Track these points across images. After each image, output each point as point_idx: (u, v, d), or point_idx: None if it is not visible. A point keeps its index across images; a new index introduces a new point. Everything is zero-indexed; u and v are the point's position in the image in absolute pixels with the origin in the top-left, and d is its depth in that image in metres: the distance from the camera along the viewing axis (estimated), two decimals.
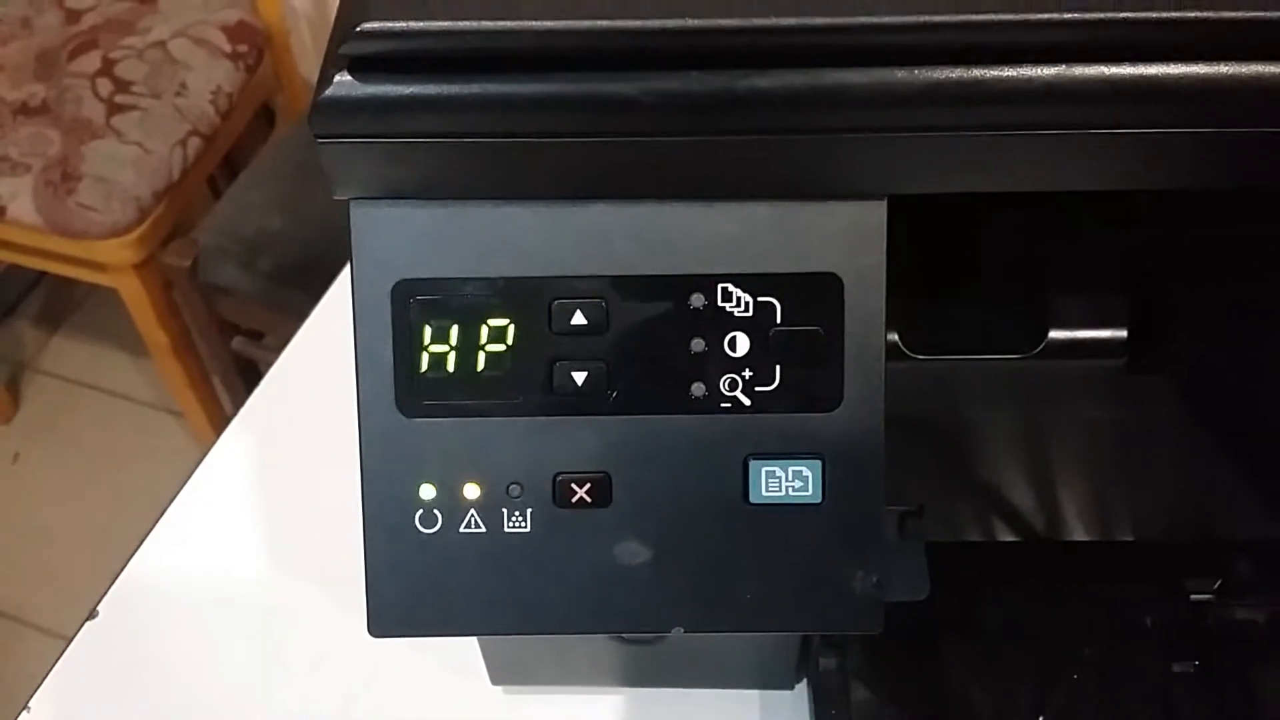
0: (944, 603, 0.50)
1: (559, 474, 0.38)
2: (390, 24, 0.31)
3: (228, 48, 1.38)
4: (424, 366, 0.37)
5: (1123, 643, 0.53)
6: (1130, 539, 0.49)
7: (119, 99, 1.31)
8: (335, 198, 0.36)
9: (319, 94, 0.33)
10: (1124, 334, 0.46)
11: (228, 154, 1.42)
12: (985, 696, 0.52)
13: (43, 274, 1.67)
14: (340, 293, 0.74)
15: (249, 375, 1.30)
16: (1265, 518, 0.48)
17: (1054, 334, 0.46)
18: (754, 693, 0.56)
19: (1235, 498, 0.48)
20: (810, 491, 0.38)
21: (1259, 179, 0.36)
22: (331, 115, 0.33)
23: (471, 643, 0.52)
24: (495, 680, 0.55)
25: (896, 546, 0.49)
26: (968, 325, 0.47)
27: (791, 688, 0.55)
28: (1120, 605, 0.54)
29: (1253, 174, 0.36)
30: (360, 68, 0.33)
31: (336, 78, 0.33)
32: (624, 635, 0.49)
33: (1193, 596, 0.53)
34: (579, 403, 0.37)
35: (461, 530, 0.38)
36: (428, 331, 0.37)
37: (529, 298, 0.37)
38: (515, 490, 0.38)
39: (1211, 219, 0.45)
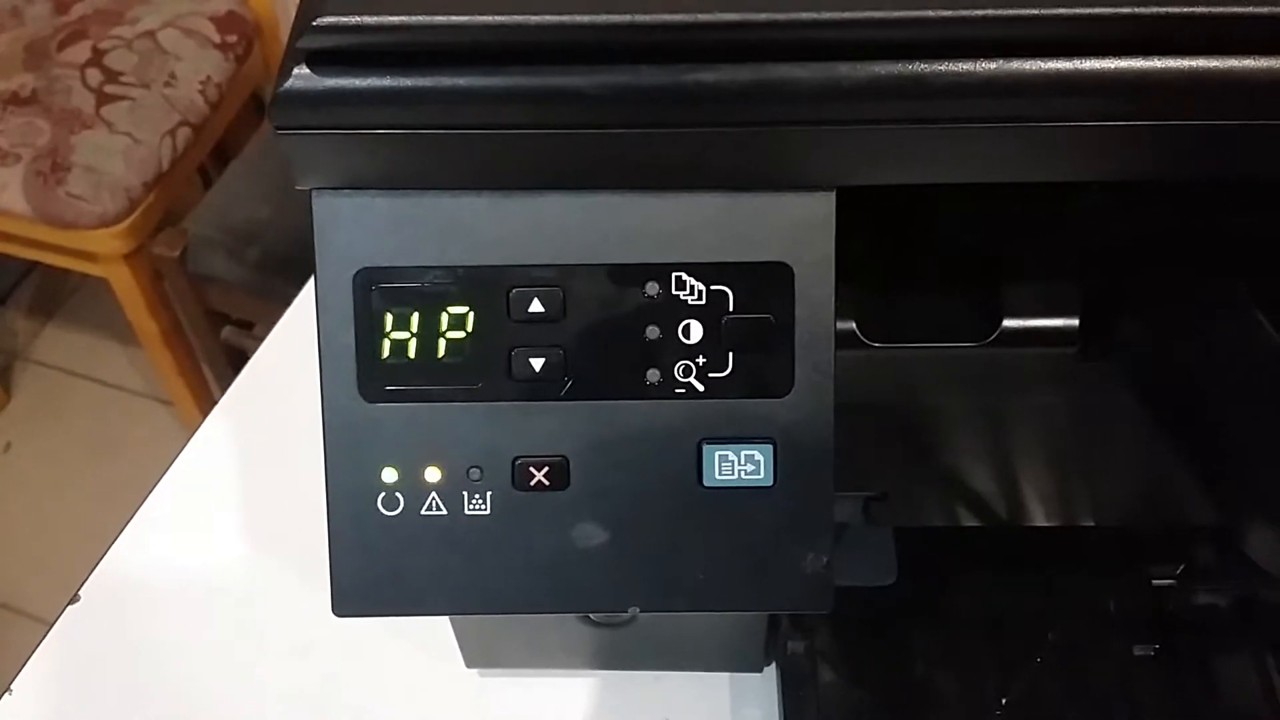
0: (910, 587, 0.51)
1: (518, 458, 0.39)
2: (346, 19, 0.32)
3: (217, 38, 1.38)
4: (385, 353, 0.38)
5: (1085, 627, 0.54)
6: (1092, 524, 0.50)
7: (108, 89, 1.32)
8: (297, 188, 0.37)
9: (278, 87, 0.34)
10: (1075, 322, 0.46)
11: (217, 144, 1.42)
12: (950, 679, 0.53)
13: (34, 264, 1.68)
14: None
15: (238, 364, 1.31)
16: (1225, 503, 0.48)
17: (1008, 322, 0.47)
18: (724, 675, 0.57)
19: (1193, 484, 0.48)
20: (762, 475, 0.38)
21: (1201, 171, 0.37)
22: (290, 108, 0.34)
23: (447, 627, 0.53)
24: (470, 663, 0.56)
25: (863, 532, 0.50)
26: (924, 314, 0.48)
27: (760, 670, 0.55)
28: (1083, 590, 0.55)
29: (1194, 166, 0.37)
30: (318, 61, 0.33)
31: (295, 71, 0.34)
32: (591, 618, 0.50)
33: (1155, 581, 0.54)
34: (537, 388, 0.38)
35: (423, 513, 0.39)
36: (389, 319, 0.38)
37: (487, 286, 0.38)
38: (475, 474, 0.39)
39: (1161, 209, 0.45)
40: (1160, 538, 0.54)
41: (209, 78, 1.36)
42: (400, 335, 0.38)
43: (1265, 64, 0.33)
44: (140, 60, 1.35)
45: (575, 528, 0.39)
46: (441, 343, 0.38)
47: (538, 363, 0.38)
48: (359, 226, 0.38)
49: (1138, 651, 0.53)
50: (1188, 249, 0.46)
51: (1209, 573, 0.54)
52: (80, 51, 1.35)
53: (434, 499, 0.39)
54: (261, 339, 0.73)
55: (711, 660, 0.56)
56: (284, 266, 1.23)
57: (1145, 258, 0.47)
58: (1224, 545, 0.53)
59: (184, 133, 1.32)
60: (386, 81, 0.34)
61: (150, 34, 1.37)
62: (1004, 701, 0.52)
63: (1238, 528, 0.47)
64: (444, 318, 0.38)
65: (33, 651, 0.59)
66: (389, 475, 0.39)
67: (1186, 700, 0.52)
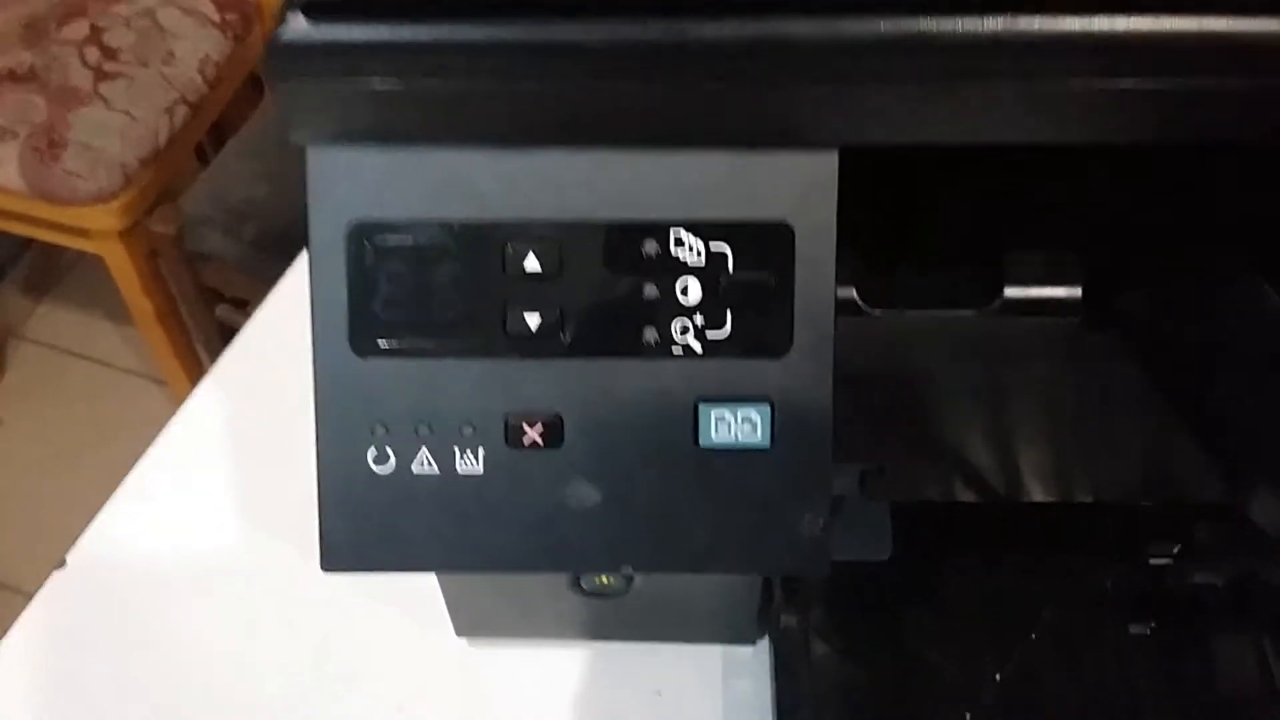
0: (905, 562, 0.51)
1: (511, 415, 0.38)
2: None
3: (216, 17, 1.38)
4: (378, 307, 0.38)
5: (1082, 605, 0.53)
6: (1090, 500, 0.50)
7: (106, 67, 1.31)
8: (291, 141, 0.37)
9: (274, 37, 0.33)
10: (1079, 292, 0.46)
11: (215, 123, 1.42)
12: (944, 654, 0.53)
13: (29, 241, 1.67)
14: None
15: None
16: (1224, 481, 0.48)
17: (1009, 291, 0.46)
18: (716, 647, 0.56)
19: (1195, 459, 0.48)
20: (759, 436, 0.38)
21: (1210, 134, 0.36)
22: (285, 58, 0.34)
23: (437, 595, 0.53)
24: (460, 632, 0.56)
25: (859, 506, 0.50)
26: (925, 280, 0.47)
27: (754, 642, 0.55)
28: (1080, 568, 0.54)
29: (1203, 129, 0.36)
30: (313, 12, 0.33)
31: (290, 21, 0.33)
32: (583, 587, 0.50)
33: (1152, 560, 0.54)
34: (531, 345, 0.38)
35: (414, 470, 0.38)
36: (382, 272, 0.37)
37: (483, 241, 0.37)
38: (467, 431, 0.38)
39: (1167, 178, 0.45)
40: (1159, 516, 0.54)
41: (207, 56, 1.35)
42: (394, 290, 0.38)
43: (1275, 25, 0.32)
44: (139, 38, 1.34)
45: (569, 487, 0.39)
46: (435, 297, 0.38)
47: (533, 319, 0.38)
48: (353, 180, 0.37)
49: (1134, 630, 0.53)
50: (1193, 219, 0.46)
51: (1207, 552, 0.53)
52: (79, 29, 1.35)
53: (425, 456, 0.38)
54: None
55: (704, 632, 0.55)
56: (280, 245, 1.23)
57: (1151, 227, 0.47)
58: (1222, 524, 0.53)
59: (181, 111, 1.32)
60: (383, 32, 0.33)
61: (149, 12, 1.37)
62: (998, 678, 0.52)
63: (1242, 494, 0.46)
64: (438, 272, 0.37)
65: (18, 616, 0.59)
66: (380, 431, 0.38)
67: (1182, 679, 0.52)
